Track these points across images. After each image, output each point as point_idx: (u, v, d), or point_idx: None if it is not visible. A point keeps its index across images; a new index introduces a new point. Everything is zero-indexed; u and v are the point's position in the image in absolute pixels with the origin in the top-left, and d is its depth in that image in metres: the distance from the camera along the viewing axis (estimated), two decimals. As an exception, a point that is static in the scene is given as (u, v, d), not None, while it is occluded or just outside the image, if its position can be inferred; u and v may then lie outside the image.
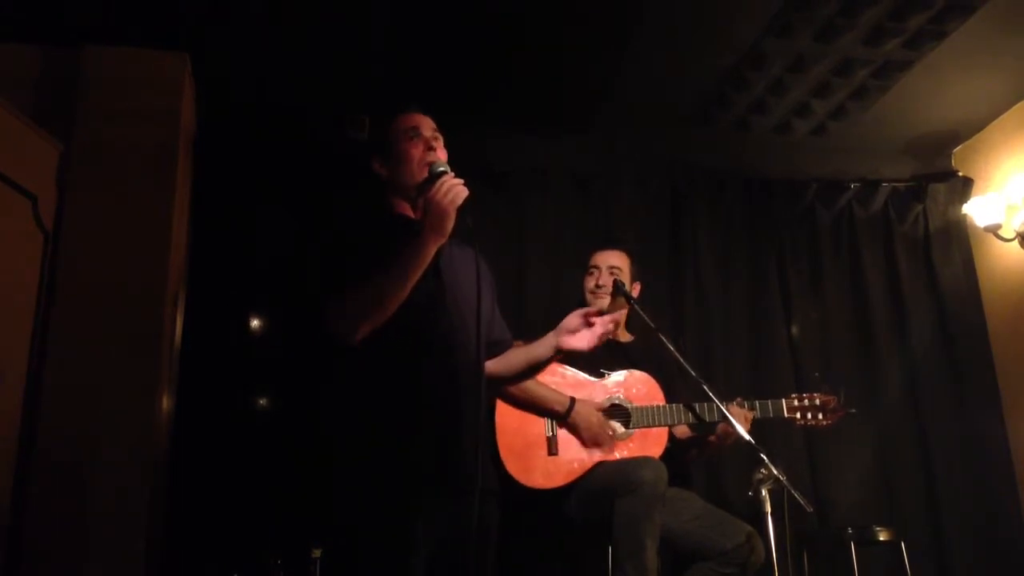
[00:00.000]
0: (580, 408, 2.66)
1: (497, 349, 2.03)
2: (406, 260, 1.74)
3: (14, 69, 2.58)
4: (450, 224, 1.75)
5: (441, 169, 1.85)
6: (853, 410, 2.88)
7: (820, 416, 2.83)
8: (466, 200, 1.76)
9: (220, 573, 2.94)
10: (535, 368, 2.04)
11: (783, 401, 2.84)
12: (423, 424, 1.73)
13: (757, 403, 2.81)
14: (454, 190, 1.76)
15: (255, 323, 3.40)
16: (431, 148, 1.93)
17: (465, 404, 1.77)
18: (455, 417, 1.76)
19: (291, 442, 3.14)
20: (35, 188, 2.38)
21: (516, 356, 2.04)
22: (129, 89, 2.64)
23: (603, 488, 2.55)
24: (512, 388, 2.58)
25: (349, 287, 1.73)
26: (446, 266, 1.87)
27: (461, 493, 1.68)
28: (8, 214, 2.31)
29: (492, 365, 2.00)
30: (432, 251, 1.76)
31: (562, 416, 2.66)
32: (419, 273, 1.75)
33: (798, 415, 2.83)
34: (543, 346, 1.97)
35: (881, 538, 3.16)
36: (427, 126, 1.97)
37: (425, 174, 1.88)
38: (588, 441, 2.66)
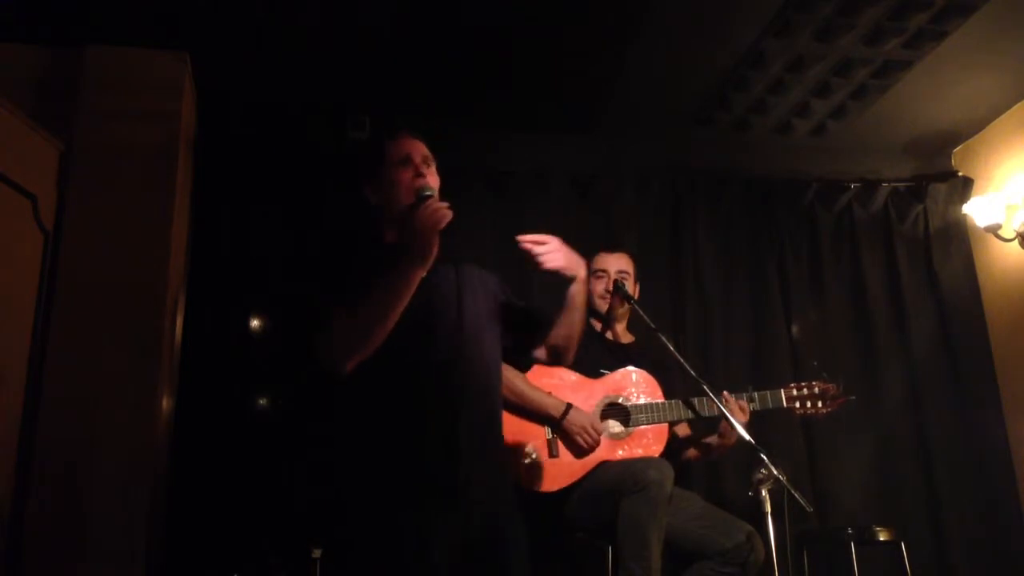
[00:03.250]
0: (574, 415, 2.67)
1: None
2: (389, 291, 1.72)
3: (15, 69, 2.58)
4: (432, 248, 1.73)
5: (427, 193, 1.84)
6: (853, 397, 2.87)
7: (820, 404, 2.81)
8: (450, 223, 1.74)
9: (220, 573, 2.94)
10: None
11: (782, 391, 2.83)
12: (424, 436, 1.73)
13: (756, 394, 2.80)
14: (437, 213, 1.74)
15: (255, 323, 3.40)
16: (420, 175, 1.92)
17: (465, 417, 1.76)
18: (456, 430, 1.74)
19: (292, 443, 3.14)
20: (35, 188, 2.37)
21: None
22: (129, 89, 2.64)
23: (608, 488, 2.55)
24: (507, 393, 2.60)
25: (336, 320, 1.71)
26: (443, 285, 1.86)
27: (462, 504, 1.69)
28: (8, 214, 2.31)
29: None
30: (416, 280, 1.73)
31: (557, 421, 2.67)
32: (404, 303, 1.72)
33: (797, 404, 2.82)
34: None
35: (881, 538, 3.15)
36: (417, 152, 1.96)
37: (410, 198, 1.87)
38: (584, 448, 2.67)
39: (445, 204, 1.77)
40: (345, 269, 1.88)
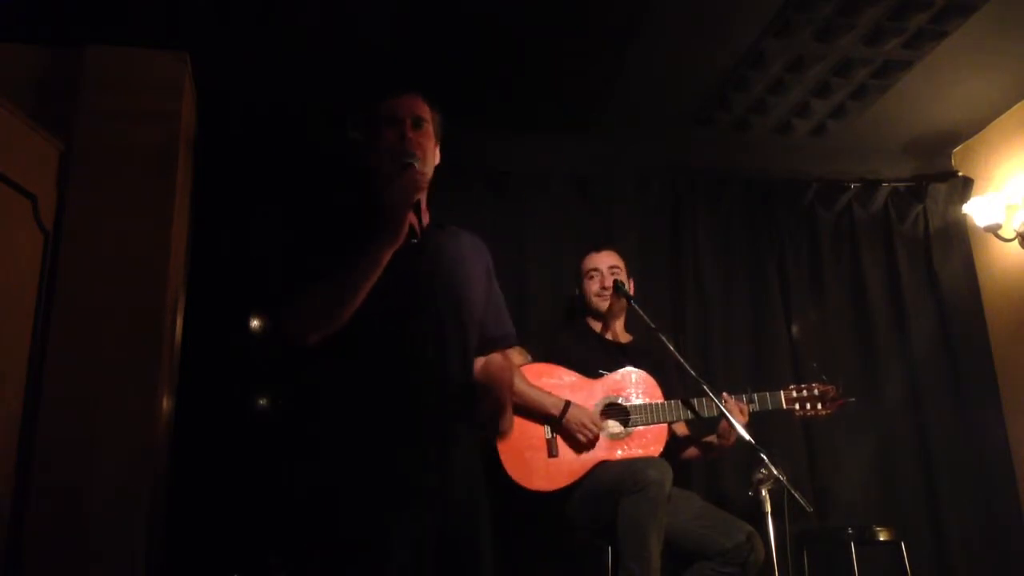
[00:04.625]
0: (574, 411, 2.67)
1: (496, 346, 1.95)
2: (358, 267, 1.63)
3: (15, 69, 2.57)
4: (402, 224, 1.63)
5: (408, 161, 1.71)
6: (852, 399, 2.87)
7: (819, 406, 2.82)
8: (422, 194, 1.63)
9: (220, 573, 2.94)
10: None
11: (781, 393, 2.84)
12: (397, 428, 1.67)
13: (756, 396, 2.80)
14: (408, 187, 1.63)
15: (255, 323, 3.40)
16: (403, 136, 1.79)
17: (440, 407, 1.71)
18: (430, 420, 1.70)
19: (289, 442, 3.14)
20: (35, 188, 2.37)
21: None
22: (129, 89, 2.63)
23: (607, 488, 2.56)
24: None
25: (305, 290, 1.65)
26: (431, 256, 1.78)
27: (433, 500, 1.65)
28: (8, 214, 2.30)
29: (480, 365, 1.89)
30: (386, 256, 1.63)
31: (556, 419, 2.68)
32: (372, 280, 1.63)
33: (797, 406, 2.82)
34: None
35: (881, 538, 3.15)
36: (408, 111, 1.82)
37: (390, 161, 1.75)
38: (584, 443, 2.67)
39: (420, 175, 1.67)
40: (323, 239, 1.77)
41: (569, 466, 2.68)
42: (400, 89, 1.89)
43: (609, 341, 3.02)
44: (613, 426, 2.76)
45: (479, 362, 1.89)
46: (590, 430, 2.67)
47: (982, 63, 3.46)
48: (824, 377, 2.86)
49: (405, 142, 1.78)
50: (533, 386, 2.73)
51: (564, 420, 2.68)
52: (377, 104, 1.87)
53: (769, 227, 4.02)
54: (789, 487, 2.37)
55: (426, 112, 1.87)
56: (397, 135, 1.80)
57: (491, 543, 1.77)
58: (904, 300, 3.96)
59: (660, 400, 2.80)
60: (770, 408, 2.81)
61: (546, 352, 2.87)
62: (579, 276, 3.08)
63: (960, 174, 4.20)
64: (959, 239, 4.11)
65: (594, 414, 2.72)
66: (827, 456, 3.68)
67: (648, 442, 2.75)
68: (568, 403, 2.70)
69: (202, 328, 3.13)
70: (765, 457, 2.39)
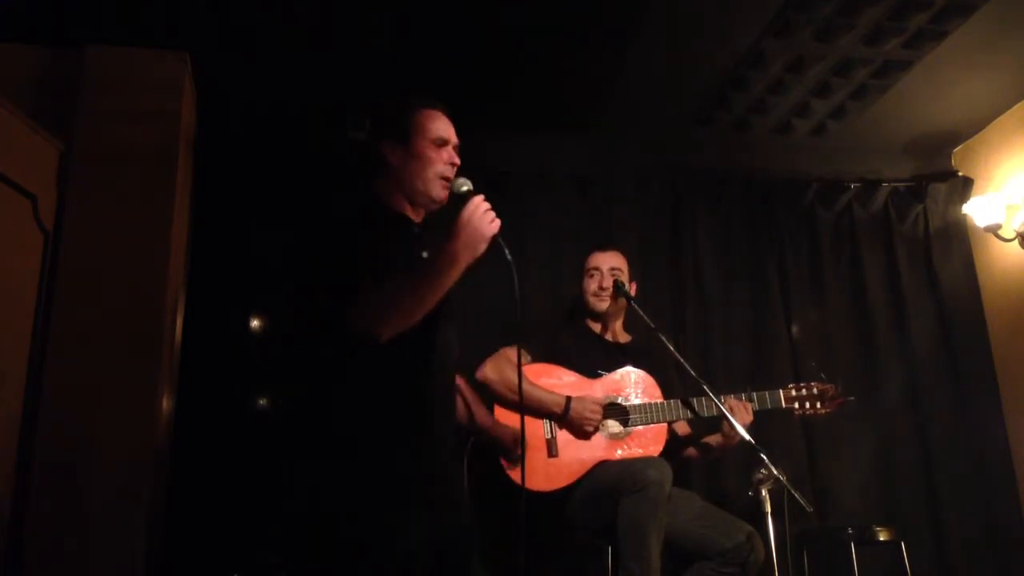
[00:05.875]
0: (576, 405, 2.68)
1: None
2: (441, 273, 1.69)
3: (15, 69, 2.57)
4: (484, 247, 1.73)
5: (466, 188, 1.82)
6: (852, 397, 2.87)
7: (819, 405, 2.81)
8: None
9: (220, 573, 2.94)
10: None
11: (780, 392, 2.82)
12: (421, 431, 1.72)
13: (755, 395, 2.80)
14: (489, 215, 1.73)
15: (255, 323, 3.40)
16: (454, 163, 1.89)
17: (451, 412, 1.78)
18: (445, 425, 1.76)
19: (291, 442, 3.13)
20: (35, 188, 2.37)
21: None
22: (129, 89, 2.64)
23: (607, 488, 2.55)
24: (506, 391, 2.61)
25: (386, 287, 1.66)
26: None
27: (443, 503, 1.68)
28: (8, 214, 2.31)
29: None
30: (463, 269, 1.72)
31: (560, 416, 2.68)
32: (449, 287, 1.71)
33: (796, 405, 2.81)
34: None
35: (881, 538, 3.15)
36: (453, 136, 1.92)
37: (443, 187, 1.86)
38: (591, 429, 2.67)
39: (489, 205, 1.75)
40: (376, 239, 1.78)
41: (569, 466, 2.68)
42: (441, 104, 1.94)
43: (608, 341, 3.02)
44: (613, 426, 2.76)
45: None
46: (595, 412, 2.67)
47: (982, 63, 3.46)
48: (823, 376, 2.86)
49: (456, 168, 1.89)
50: (533, 384, 2.73)
51: (568, 417, 2.68)
52: (417, 113, 1.91)
53: (769, 227, 4.02)
54: (789, 487, 2.37)
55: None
56: (447, 159, 1.89)
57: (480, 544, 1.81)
58: (904, 300, 3.96)
59: (660, 400, 2.79)
60: (769, 407, 2.81)
61: (546, 352, 2.87)
62: (580, 273, 3.07)
63: (960, 174, 4.20)
64: (959, 239, 4.11)
65: (595, 400, 2.72)
66: (827, 456, 3.68)
67: (648, 442, 2.75)
68: (569, 399, 2.70)
69: (202, 328, 3.13)
70: (765, 457, 2.39)
